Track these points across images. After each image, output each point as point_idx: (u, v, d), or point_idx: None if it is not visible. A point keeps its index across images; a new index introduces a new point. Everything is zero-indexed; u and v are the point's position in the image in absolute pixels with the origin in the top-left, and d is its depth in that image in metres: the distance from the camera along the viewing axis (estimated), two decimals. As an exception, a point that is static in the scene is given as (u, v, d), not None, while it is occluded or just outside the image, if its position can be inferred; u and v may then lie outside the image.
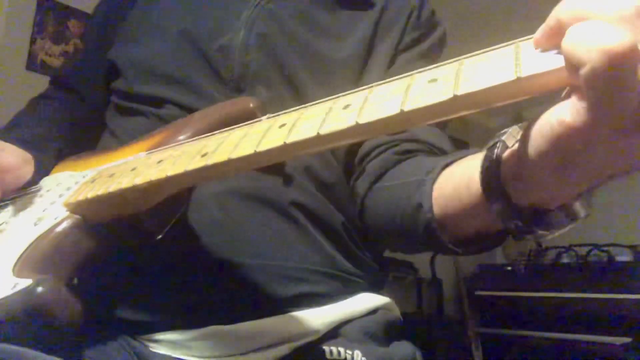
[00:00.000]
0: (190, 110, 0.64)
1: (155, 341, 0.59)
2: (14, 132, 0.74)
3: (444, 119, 0.32)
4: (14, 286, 0.44)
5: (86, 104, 0.84)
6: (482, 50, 0.32)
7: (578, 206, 0.37)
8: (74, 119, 0.82)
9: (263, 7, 0.71)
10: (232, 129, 0.43)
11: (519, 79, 0.28)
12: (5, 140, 0.68)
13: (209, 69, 0.68)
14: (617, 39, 0.24)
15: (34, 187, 0.64)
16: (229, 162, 0.38)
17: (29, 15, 2.10)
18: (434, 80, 0.32)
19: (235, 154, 0.38)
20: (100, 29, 0.84)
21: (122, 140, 0.67)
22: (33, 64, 2.09)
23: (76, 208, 0.51)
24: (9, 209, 0.62)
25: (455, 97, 0.30)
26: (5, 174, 0.62)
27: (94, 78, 0.82)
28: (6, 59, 2.03)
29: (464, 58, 0.32)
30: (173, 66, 0.70)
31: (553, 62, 0.28)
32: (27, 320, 0.43)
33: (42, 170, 0.68)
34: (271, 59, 0.68)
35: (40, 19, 2.13)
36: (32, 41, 2.10)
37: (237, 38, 0.68)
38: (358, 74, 0.71)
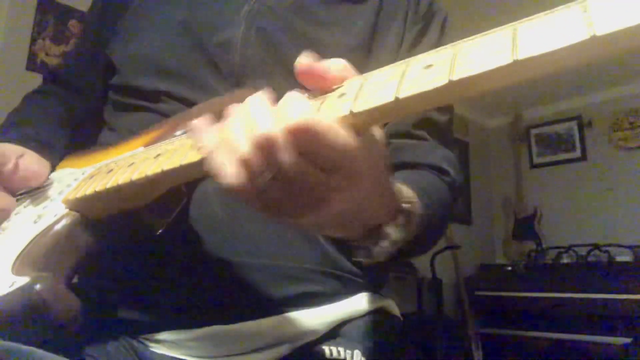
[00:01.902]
0: (189, 103, 0.63)
1: (156, 341, 0.59)
2: (15, 130, 0.74)
3: (442, 104, 0.32)
4: (12, 284, 0.44)
5: (84, 100, 0.84)
6: (479, 34, 0.31)
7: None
8: (72, 116, 0.82)
9: (262, 2, 0.71)
10: None
11: (515, 62, 0.27)
12: (8, 139, 0.68)
13: (208, 63, 0.68)
14: None
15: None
16: None
17: (29, 16, 2.10)
18: (430, 66, 0.32)
19: None
20: (97, 25, 0.84)
21: (122, 135, 0.67)
22: (33, 64, 2.09)
23: (75, 205, 0.51)
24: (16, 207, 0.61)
25: (451, 83, 0.29)
26: (31, 181, 0.63)
27: (91, 74, 0.82)
28: (6, 59, 2.03)
29: (461, 42, 0.32)
30: (172, 59, 0.70)
31: (551, 43, 0.27)
32: (25, 317, 0.43)
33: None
34: (272, 53, 0.68)
35: (41, 19, 2.13)
36: (32, 41, 2.10)
37: (238, 33, 0.68)
38: (362, 63, 0.71)
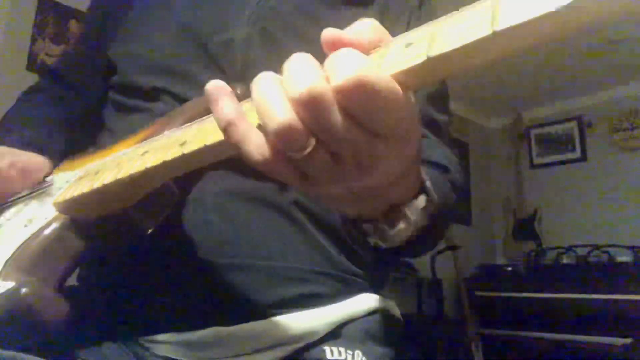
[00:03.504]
0: None
1: (155, 342, 0.59)
2: (14, 134, 0.74)
3: (426, 84, 0.31)
4: None
5: (82, 99, 0.83)
6: (461, 9, 0.30)
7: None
8: (70, 116, 0.81)
9: (265, 3, 0.71)
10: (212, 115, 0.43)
11: (494, 33, 0.26)
12: (5, 142, 0.68)
13: (210, 63, 0.68)
14: None
15: (35, 187, 0.65)
16: (205, 150, 0.37)
17: (29, 15, 2.11)
18: (410, 44, 0.31)
19: (210, 140, 0.37)
20: (98, 25, 0.84)
21: (120, 137, 0.67)
22: (33, 64, 2.10)
23: (64, 207, 0.51)
24: (9, 211, 0.62)
25: (429, 59, 0.28)
26: (36, 173, 0.63)
27: (91, 74, 0.82)
28: (6, 59, 2.03)
29: (444, 18, 0.31)
30: (173, 58, 0.70)
31: (531, 11, 0.25)
32: (11, 322, 0.42)
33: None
34: (275, 54, 0.68)
35: (41, 19, 2.13)
36: (33, 41, 2.11)
37: (241, 34, 0.68)
38: None
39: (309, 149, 0.31)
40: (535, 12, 0.25)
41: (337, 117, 0.30)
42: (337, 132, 0.31)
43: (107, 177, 0.45)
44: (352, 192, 0.35)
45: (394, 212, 0.41)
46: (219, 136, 0.36)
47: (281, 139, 0.31)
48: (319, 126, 0.31)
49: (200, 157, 0.39)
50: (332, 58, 0.31)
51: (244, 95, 0.51)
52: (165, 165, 0.40)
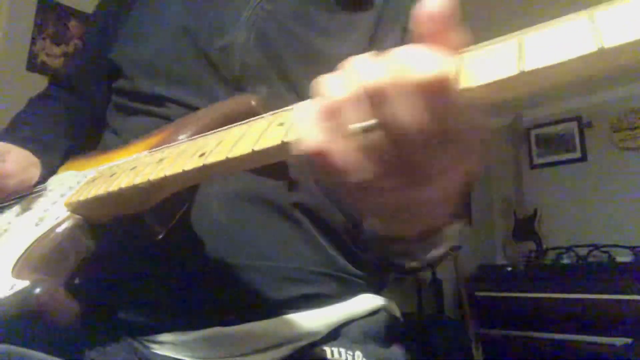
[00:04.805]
0: (192, 108, 0.64)
1: (158, 342, 0.60)
2: (19, 133, 0.74)
3: None
4: (12, 287, 0.44)
5: (87, 103, 0.84)
6: (484, 43, 0.31)
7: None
8: (77, 119, 0.83)
9: (263, 7, 0.71)
10: (232, 127, 0.43)
11: (522, 72, 0.26)
12: (11, 141, 0.68)
13: (209, 68, 0.68)
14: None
15: (40, 186, 0.65)
16: (226, 162, 0.38)
17: (30, 16, 2.10)
18: None
19: (232, 153, 0.37)
20: (101, 29, 0.84)
21: (125, 139, 0.67)
22: (33, 64, 2.09)
23: (77, 208, 0.51)
24: (15, 209, 0.62)
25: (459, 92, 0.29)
26: (7, 180, 0.63)
27: (94, 78, 0.83)
28: (6, 59, 2.03)
29: (465, 52, 0.31)
30: (174, 64, 0.70)
31: (559, 54, 0.26)
32: (24, 320, 0.43)
33: (49, 171, 0.69)
34: (271, 58, 0.68)
35: (41, 20, 2.13)
36: (33, 42, 2.10)
37: (238, 38, 0.68)
38: None
39: (371, 125, 0.30)
40: (564, 56, 0.25)
41: (412, 109, 0.29)
42: (410, 125, 0.29)
43: (123, 181, 0.46)
44: (405, 204, 0.33)
45: (434, 234, 0.41)
46: (240, 149, 0.37)
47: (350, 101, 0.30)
48: (392, 116, 0.29)
49: (221, 169, 0.40)
50: (413, 52, 0.30)
51: (259, 104, 0.51)
52: (184, 174, 0.41)
